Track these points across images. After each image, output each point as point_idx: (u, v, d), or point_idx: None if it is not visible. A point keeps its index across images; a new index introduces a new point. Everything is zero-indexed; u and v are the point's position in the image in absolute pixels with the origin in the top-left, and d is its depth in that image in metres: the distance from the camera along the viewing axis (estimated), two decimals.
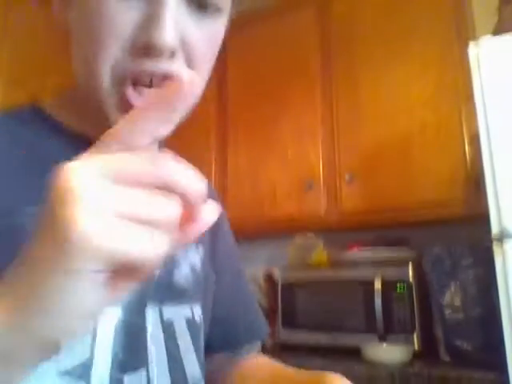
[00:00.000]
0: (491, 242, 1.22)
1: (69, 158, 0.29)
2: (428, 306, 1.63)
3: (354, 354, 1.58)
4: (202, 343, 0.56)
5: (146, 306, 0.48)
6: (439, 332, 1.58)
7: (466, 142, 1.73)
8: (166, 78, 0.43)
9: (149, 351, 0.47)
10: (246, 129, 2.25)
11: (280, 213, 2.07)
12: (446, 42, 1.83)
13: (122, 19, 0.41)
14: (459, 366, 1.42)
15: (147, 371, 0.46)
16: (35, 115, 0.50)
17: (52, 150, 0.47)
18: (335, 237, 2.09)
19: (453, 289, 1.54)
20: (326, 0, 2.14)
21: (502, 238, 1.20)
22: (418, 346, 1.59)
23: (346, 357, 1.60)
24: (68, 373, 0.42)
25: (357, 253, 1.88)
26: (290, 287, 1.91)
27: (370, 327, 1.67)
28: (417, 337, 1.60)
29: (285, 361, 1.74)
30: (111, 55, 0.42)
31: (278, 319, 1.94)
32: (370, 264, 1.77)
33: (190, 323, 0.53)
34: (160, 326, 0.49)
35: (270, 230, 2.14)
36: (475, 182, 1.66)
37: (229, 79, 2.34)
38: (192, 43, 0.44)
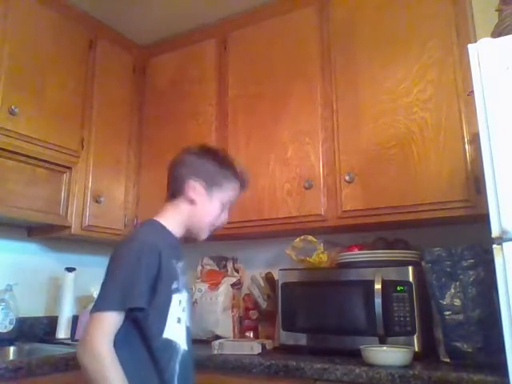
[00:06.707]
0: (491, 242, 1.21)
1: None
2: (428, 307, 1.63)
3: (355, 355, 1.58)
4: None
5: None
6: (439, 333, 1.58)
7: (466, 142, 1.73)
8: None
9: None
10: (245, 129, 2.24)
11: (280, 213, 2.07)
12: (446, 41, 1.83)
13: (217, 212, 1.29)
14: (459, 368, 1.42)
15: None
16: (161, 226, 1.25)
17: (170, 239, 1.24)
18: (335, 237, 2.08)
19: (453, 290, 1.54)
20: (326, 0, 2.14)
21: (501, 239, 1.19)
22: (419, 348, 1.58)
23: (346, 359, 1.59)
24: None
25: (357, 253, 1.88)
26: (290, 288, 1.90)
27: (370, 328, 1.66)
28: (417, 338, 1.59)
29: (285, 363, 1.73)
30: (212, 221, 1.30)
31: (278, 321, 1.94)
32: (370, 265, 1.76)
33: None
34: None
35: (269, 231, 2.14)
36: (475, 182, 1.66)
37: (229, 79, 2.33)
38: None
